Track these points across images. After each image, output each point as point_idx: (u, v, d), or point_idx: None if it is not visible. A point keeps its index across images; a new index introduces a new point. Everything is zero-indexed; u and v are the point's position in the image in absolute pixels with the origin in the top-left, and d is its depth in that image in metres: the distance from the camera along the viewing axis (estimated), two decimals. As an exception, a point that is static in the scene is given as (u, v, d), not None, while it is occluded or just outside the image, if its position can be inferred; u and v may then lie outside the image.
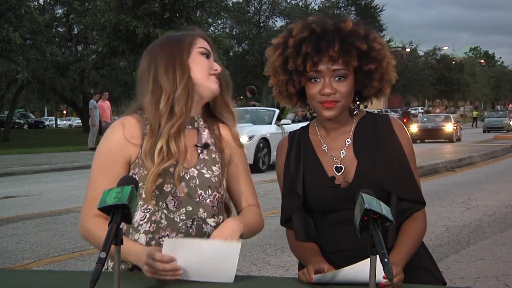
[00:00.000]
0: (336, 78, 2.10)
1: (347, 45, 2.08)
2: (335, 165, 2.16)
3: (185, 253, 1.85)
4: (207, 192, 2.11)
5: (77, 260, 6.02)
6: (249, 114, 17.11)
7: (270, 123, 16.43)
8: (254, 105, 18.50)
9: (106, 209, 1.66)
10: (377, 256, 1.57)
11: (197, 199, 2.09)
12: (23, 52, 23.58)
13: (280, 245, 6.62)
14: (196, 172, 2.10)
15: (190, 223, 2.08)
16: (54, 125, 64.52)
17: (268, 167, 15.57)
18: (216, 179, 2.13)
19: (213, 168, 2.14)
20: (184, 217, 2.07)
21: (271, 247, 6.64)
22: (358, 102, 2.20)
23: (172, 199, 2.07)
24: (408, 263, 2.06)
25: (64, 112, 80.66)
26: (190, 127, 2.15)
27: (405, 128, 2.23)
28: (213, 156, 2.16)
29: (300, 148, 2.23)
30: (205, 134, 2.18)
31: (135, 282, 1.89)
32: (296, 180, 2.17)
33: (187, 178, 2.08)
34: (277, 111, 16.85)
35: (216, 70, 2.14)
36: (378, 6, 54.15)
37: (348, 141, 2.18)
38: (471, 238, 7.25)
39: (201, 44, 2.14)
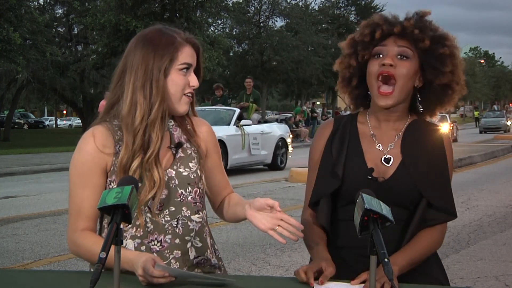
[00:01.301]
0: (399, 57, 2.11)
1: (422, 23, 2.12)
2: (383, 157, 2.15)
3: (175, 274, 1.86)
4: (187, 190, 2.11)
5: (77, 260, 6.02)
6: (207, 114, 15.68)
7: (229, 124, 14.97)
8: (244, 106, 16.69)
9: (106, 209, 1.66)
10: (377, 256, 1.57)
11: (179, 199, 2.10)
12: (23, 52, 23.59)
13: (280, 245, 6.62)
14: (174, 172, 2.10)
15: (175, 223, 2.08)
16: (54, 125, 64.52)
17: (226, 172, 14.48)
18: (195, 175, 2.13)
19: (190, 164, 2.14)
20: (168, 218, 2.08)
21: (271, 247, 6.64)
22: (419, 99, 2.17)
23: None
24: (420, 271, 2.06)
25: (64, 112, 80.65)
26: None
27: (452, 146, 2.23)
28: (189, 152, 2.16)
29: (346, 134, 2.22)
30: (177, 133, 2.18)
31: (135, 282, 1.89)
32: (337, 164, 2.16)
33: (165, 179, 2.09)
34: (238, 110, 15.58)
35: (192, 86, 2.12)
36: (378, 6, 54.10)
37: (398, 136, 2.17)
38: (471, 238, 7.26)
39: (184, 58, 2.09)
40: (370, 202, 1.63)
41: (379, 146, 2.17)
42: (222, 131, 14.29)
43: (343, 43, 2.24)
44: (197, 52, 2.15)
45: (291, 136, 17.65)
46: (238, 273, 5.50)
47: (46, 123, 61.96)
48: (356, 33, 2.19)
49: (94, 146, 2.07)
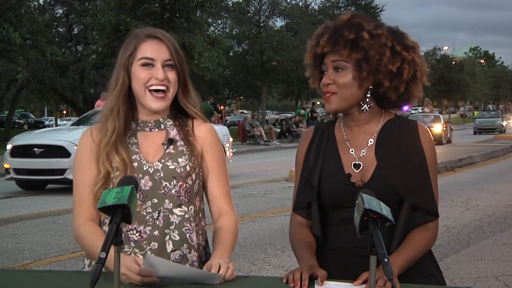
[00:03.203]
0: (335, 70, 2.15)
1: (336, 35, 2.14)
2: (353, 162, 2.17)
3: (163, 271, 1.85)
4: (172, 183, 2.13)
5: (77, 260, 6.02)
6: None
7: None
8: None
9: (106, 209, 1.66)
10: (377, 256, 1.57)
11: (162, 191, 2.13)
12: (23, 52, 23.59)
13: (280, 245, 6.62)
14: (160, 165, 2.14)
15: (157, 214, 2.11)
16: (54, 125, 64.47)
17: None
18: (182, 170, 2.15)
19: (179, 159, 2.16)
20: (150, 210, 2.11)
21: (271, 247, 6.64)
22: (367, 99, 2.18)
23: (137, 193, 2.08)
24: (412, 267, 2.07)
25: (64, 112, 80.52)
26: (157, 130, 2.20)
27: (431, 137, 2.23)
28: (180, 149, 2.19)
29: (322, 142, 2.25)
30: (173, 132, 2.22)
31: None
32: (313, 172, 2.19)
33: (151, 171, 2.13)
34: None
35: (157, 78, 2.13)
36: (378, 6, 54.10)
37: (371, 141, 2.19)
38: (471, 238, 7.26)
39: (142, 53, 2.14)
40: (370, 202, 1.63)
41: (352, 151, 2.20)
42: None
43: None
44: (168, 45, 2.16)
45: (231, 139, 15.43)
46: (238, 273, 5.47)
47: (46, 123, 61.89)
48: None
49: (90, 139, 2.19)
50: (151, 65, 2.14)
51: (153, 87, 2.13)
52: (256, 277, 2.09)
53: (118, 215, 1.64)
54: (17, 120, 52.04)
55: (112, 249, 1.61)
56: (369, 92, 2.18)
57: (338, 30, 2.14)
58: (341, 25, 2.16)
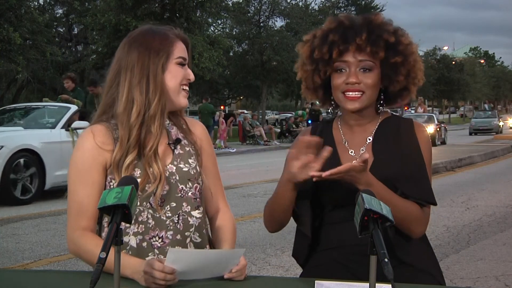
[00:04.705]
0: (362, 70, 2.15)
1: (375, 36, 2.14)
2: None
3: (188, 262, 1.86)
4: (187, 186, 2.13)
5: (77, 260, 6.00)
6: (28, 113, 12.02)
7: (54, 127, 10.74)
8: (67, 100, 13.00)
9: (106, 209, 1.66)
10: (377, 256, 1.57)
11: (179, 194, 2.11)
12: (23, 52, 23.58)
13: (280, 245, 6.63)
14: (174, 168, 2.12)
15: (177, 218, 2.10)
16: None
17: (36, 195, 10.13)
18: (194, 171, 2.15)
19: (189, 160, 2.16)
20: (169, 214, 2.09)
21: (271, 247, 6.64)
22: (382, 101, 2.23)
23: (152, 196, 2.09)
24: (413, 265, 2.07)
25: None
26: None
27: (427, 133, 2.26)
28: (187, 149, 2.18)
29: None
30: (174, 131, 2.20)
31: (135, 282, 1.89)
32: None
33: (166, 175, 2.10)
34: (74, 108, 11.36)
35: (189, 79, 2.17)
36: (378, 6, 54.05)
37: (369, 139, 2.22)
38: (471, 238, 7.26)
39: (179, 52, 2.14)
40: (370, 202, 1.63)
41: (351, 152, 2.22)
42: (36, 137, 10.24)
43: (301, 48, 2.28)
44: (187, 46, 2.20)
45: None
46: (238, 273, 5.47)
47: (46, 123, 61.91)
48: (314, 46, 2.22)
49: (94, 143, 2.08)
50: (183, 65, 2.16)
51: (184, 87, 2.16)
52: (256, 277, 2.09)
53: (118, 215, 1.63)
54: (17, 120, 52.10)
55: (112, 249, 1.60)
56: (382, 94, 2.21)
57: (375, 31, 2.15)
58: (376, 26, 2.16)
